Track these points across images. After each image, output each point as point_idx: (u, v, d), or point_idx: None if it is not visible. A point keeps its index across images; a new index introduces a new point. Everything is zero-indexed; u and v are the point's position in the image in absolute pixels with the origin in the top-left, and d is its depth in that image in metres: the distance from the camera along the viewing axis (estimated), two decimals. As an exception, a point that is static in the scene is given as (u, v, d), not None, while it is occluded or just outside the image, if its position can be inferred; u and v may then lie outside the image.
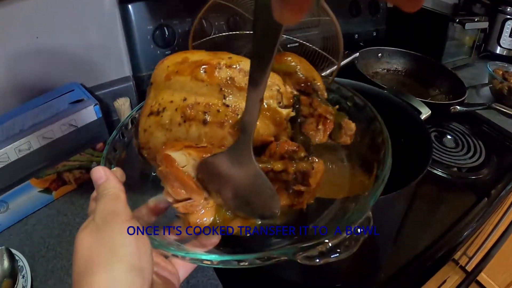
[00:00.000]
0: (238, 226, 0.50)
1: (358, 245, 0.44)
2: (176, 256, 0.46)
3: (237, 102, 0.50)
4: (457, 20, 1.67)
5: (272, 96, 0.51)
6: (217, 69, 0.51)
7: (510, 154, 1.31)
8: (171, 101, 0.52)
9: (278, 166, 0.48)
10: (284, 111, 0.52)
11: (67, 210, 0.97)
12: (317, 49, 0.70)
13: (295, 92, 0.55)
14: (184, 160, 0.49)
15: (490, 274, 2.10)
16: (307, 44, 0.71)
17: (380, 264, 0.91)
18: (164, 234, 0.53)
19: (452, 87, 1.50)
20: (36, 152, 0.89)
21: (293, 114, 0.53)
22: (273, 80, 0.52)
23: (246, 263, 0.44)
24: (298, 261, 0.43)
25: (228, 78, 0.50)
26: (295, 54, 0.60)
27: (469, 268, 1.76)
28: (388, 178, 0.51)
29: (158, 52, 1.11)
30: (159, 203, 0.55)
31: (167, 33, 1.10)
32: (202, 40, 0.72)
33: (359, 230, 0.45)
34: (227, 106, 0.50)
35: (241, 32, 0.73)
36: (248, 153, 0.45)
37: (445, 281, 1.55)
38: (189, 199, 0.48)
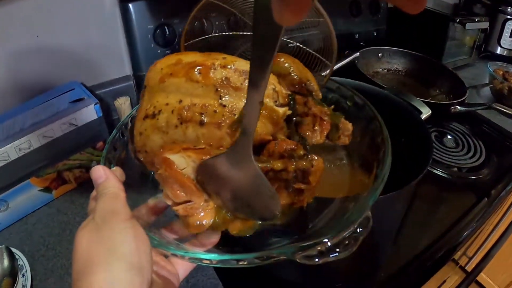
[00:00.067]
0: (238, 228, 0.50)
1: (357, 245, 0.44)
2: (176, 255, 0.46)
3: (234, 102, 0.50)
4: (458, 20, 1.66)
5: (268, 94, 0.51)
6: (212, 70, 0.50)
7: (510, 154, 1.31)
8: (167, 104, 0.52)
9: (278, 165, 0.48)
10: (281, 110, 0.51)
11: (67, 209, 0.97)
12: (310, 50, 0.70)
13: (290, 92, 0.55)
14: (183, 162, 0.49)
15: (490, 274, 2.10)
16: (301, 46, 0.71)
17: (380, 264, 0.91)
18: (163, 233, 0.53)
19: (453, 87, 1.50)
20: (36, 151, 0.89)
21: (289, 112, 0.53)
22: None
23: (245, 263, 0.44)
24: (297, 260, 0.43)
25: (223, 78, 0.50)
26: (289, 55, 0.60)
27: (469, 268, 1.75)
28: (388, 178, 0.51)
29: (159, 51, 1.11)
30: (158, 203, 0.55)
31: (167, 32, 1.10)
32: (194, 40, 0.71)
33: (358, 230, 0.45)
34: (224, 106, 0.50)
35: (234, 33, 0.73)
36: (248, 154, 0.45)
37: (445, 281, 1.55)
38: (189, 201, 0.48)
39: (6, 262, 0.80)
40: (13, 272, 0.79)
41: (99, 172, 0.49)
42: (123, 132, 0.61)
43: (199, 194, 0.49)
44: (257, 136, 0.49)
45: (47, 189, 0.97)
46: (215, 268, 0.84)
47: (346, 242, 0.44)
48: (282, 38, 0.70)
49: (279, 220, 0.50)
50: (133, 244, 0.42)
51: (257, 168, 0.46)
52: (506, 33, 1.89)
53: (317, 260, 0.42)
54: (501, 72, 1.67)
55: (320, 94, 0.59)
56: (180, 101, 0.51)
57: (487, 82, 1.70)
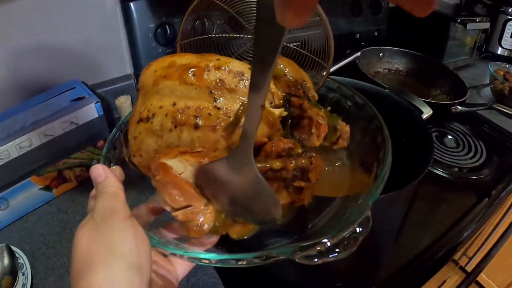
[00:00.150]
0: (238, 231, 0.50)
1: (357, 245, 0.44)
2: (175, 254, 0.46)
3: (228, 104, 0.49)
4: (459, 21, 1.66)
5: (263, 96, 0.50)
6: (206, 72, 0.50)
7: (511, 154, 1.31)
8: (161, 107, 0.51)
9: (277, 164, 0.48)
10: (277, 111, 0.51)
11: (67, 208, 0.97)
12: (305, 52, 0.70)
13: (285, 94, 0.55)
14: (181, 166, 0.48)
15: (490, 274, 2.09)
16: (297, 48, 0.70)
17: (380, 264, 0.91)
18: (162, 232, 0.53)
19: (453, 87, 1.49)
20: (37, 149, 0.89)
21: (285, 113, 0.53)
22: None
23: (245, 262, 0.44)
24: (297, 260, 0.42)
25: (217, 80, 0.50)
26: (283, 57, 0.60)
27: (469, 268, 1.75)
28: (389, 178, 0.51)
29: (160, 50, 1.11)
30: (158, 202, 0.55)
31: (168, 31, 1.10)
32: (189, 40, 0.71)
33: (358, 230, 0.44)
34: (218, 108, 0.49)
35: (231, 35, 0.72)
36: (249, 159, 0.45)
37: (445, 281, 1.54)
38: (188, 206, 0.48)
39: (6, 260, 0.80)
40: (13, 270, 0.79)
41: (99, 171, 0.49)
42: (123, 131, 0.61)
43: (199, 199, 0.49)
44: None
45: (47, 188, 0.97)
46: (216, 268, 0.84)
47: (346, 242, 0.43)
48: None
49: (279, 221, 0.50)
50: (132, 243, 0.42)
51: (258, 173, 0.45)
52: (507, 34, 1.89)
53: (316, 260, 0.42)
54: (502, 73, 1.67)
55: (316, 95, 0.59)
56: (174, 104, 0.50)
57: (488, 82, 1.70)
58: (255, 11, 0.70)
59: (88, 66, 1.11)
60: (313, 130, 0.54)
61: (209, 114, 0.49)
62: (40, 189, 0.95)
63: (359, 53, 1.45)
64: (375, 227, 0.46)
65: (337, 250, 0.43)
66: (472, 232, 1.04)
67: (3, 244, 0.82)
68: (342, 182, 0.61)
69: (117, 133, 0.60)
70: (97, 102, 0.96)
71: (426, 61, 1.60)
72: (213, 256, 0.45)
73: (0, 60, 0.96)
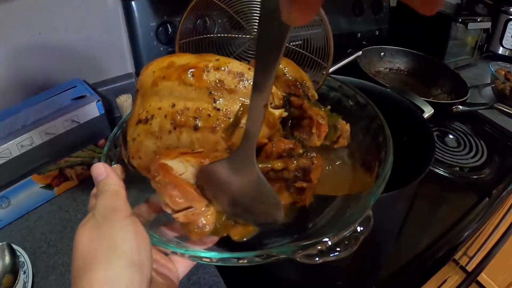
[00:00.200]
0: (239, 233, 0.50)
1: (358, 244, 0.43)
2: (176, 253, 0.46)
3: (228, 105, 0.49)
4: (460, 20, 1.66)
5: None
6: (205, 72, 0.49)
7: (512, 154, 1.31)
8: (160, 108, 0.51)
9: (278, 164, 0.48)
10: (277, 112, 0.51)
11: (68, 206, 0.97)
12: (305, 52, 0.70)
13: (285, 94, 0.54)
14: (181, 167, 0.48)
15: (490, 274, 2.09)
16: (297, 48, 0.70)
17: (380, 263, 0.91)
18: (163, 231, 0.53)
19: (455, 87, 1.49)
20: (38, 147, 0.89)
21: (285, 114, 0.52)
22: None
23: (245, 261, 0.44)
24: (298, 259, 0.42)
25: (217, 81, 0.49)
26: (283, 56, 0.60)
27: (470, 268, 1.75)
28: (391, 177, 0.51)
29: (161, 48, 1.11)
30: (159, 200, 0.55)
31: (170, 30, 1.10)
32: (188, 39, 0.71)
33: (359, 229, 0.44)
34: (218, 110, 0.49)
35: (229, 35, 0.72)
36: (251, 160, 0.44)
37: (445, 280, 1.54)
38: (189, 207, 0.48)
39: (7, 259, 0.80)
40: (14, 269, 0.79)
41: (100, 169, 0.49)
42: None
43: (200, 199, 0.48)
44: None
45: (48, 186, 0.97)
46: (217, 266, 0.84)
47: (347, 241, 0.43)
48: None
49: (280, 222, 0.50)
50: (133, 242, 0.42)
51: (260, 174, 0.45)
52: (508, 33, 1.89)
53: (317, 259, 0.42)
54: (503, 72, 1.67)
55: (316, 95, 0.59)
56: (173, 105, 0.50)
57: (489, 82, 1.70)
58: (254, 11, 0.70)
59: (89, 64, 1.11)
60: (314, 130, 0.54)
61: (209, 115, 0.49)
62: (41, 187, 0.95)
63: (360, 52, 1.45)
64: (376, 226, 0.45)
65: (338, 249, 0.43)
66: (473, 232, 1.04)
67: (4, 242, 0.82)
68: (343, 182, 0.61)
69: (118, 132, 0.59)
70: (98, 101, 0.96)
71: (427, 61, 1.60)
72: (214, 254, 0.45)
73: (1, 58, 0.96)
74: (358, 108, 0.65)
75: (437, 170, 1.19)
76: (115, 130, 0.59)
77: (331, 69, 0.71)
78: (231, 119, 0.49)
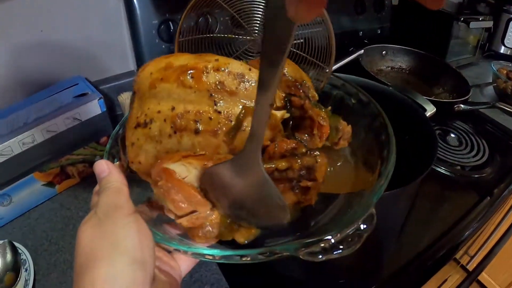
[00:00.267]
0: (244, 236, 0.49)
1: (361, 242, 0.43)
2: (178, 250, 0.46)
3: (229, 107, 0.48)
4: (462, 19, 1.66)
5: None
6: (205, 74, 0.48)
7: (514, 153, 1.31)
8: (159, 111, 0.49)
9: (282, 164, 0.47)
10: (279, 113, 0.50)
11: (70, 204, 0.97)
12: (306, 55, 0.70)
13: (285, 94, 0.53)
14: (184, 170, 0.47)
15: (491, 273, 2.09)
16: (297, 51, 0.70)
17: (382, 262, 0.91)
18: (166, 228, 0.53)
19: (456, 86, 1.49)
20: (39, 145, 0.89)
21: (287, 115, 0.52)
22: None
23: (249, 259, 0.44)
24: (301, 257, 0.42)
25: (217, 83, 0.48)
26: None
27: (470, 267, 1.75)
28: (392, 175, 0.51)
29: (163, 46, 1.11)
30: None
31: (172, 28, 1.10)
32: (189, 38, 0.70)
33: (362, 227, 0.44)
34: (219, 112, 0.48)
35: (230, 36, 0.72)
36: (256, 161, 0.43)
37: (446, 280, 1.55)
38: (193, 212, 0.47)
39: (9, 256, 0.80)
40: (16, 266, 0.79)
41: (102, 167, 0.49)
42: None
43: (205, 203, 0.48)
44: None
45: (50, 184, 0.97)
46: (219, 264, 0.84)
47: (350, 239, 0.43)
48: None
49: (285, 225, 0.49)
50: (136, 239, 0.42)
51: (266, 175, 0.44)
52: (510, 33, 1.88)
53: (320, 257, 0.42)
54: (505, 71, 1.67)
55: (316, 95, 0.58)
56: (173, 108, 0.49)
57: (491, 81, 1.70)
58: (255, 11, 0.70)
59: (91, 62, 1.11)
60: (315, 131, 0.53)
61: (210, 118, 0.48)
62: (43, 185, 0.95)
63: (362, 50, 1.45)
64: (378, 224, 0.45)
65: (341, 247, 0.42)
66: (474, 231, 1.04)
67: (6, 240, 0.82)
68: (345, 180, 0.61)
69: (120, 129, 0.59)
70: (100, 99, 0.96)
71: (429, 60, 1.60)
72: (217, 252, 0.45)
73: (3, 56, 0.96)
74: (361, 106, 0.65)
75: (438, 169, 1.19)
76: (117, 127, 0.59)
77: (333, 68, 0.71)
78: (233, 122, 0.48)
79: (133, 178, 0.53)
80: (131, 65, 1.19)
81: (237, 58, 0.71)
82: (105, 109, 0.98)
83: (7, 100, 0.99)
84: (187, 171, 0.47)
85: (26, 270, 0.80)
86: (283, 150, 0.48)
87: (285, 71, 0.57)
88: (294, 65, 0.60)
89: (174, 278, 0.52)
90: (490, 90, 1.70)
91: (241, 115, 0.48)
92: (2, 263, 0.79)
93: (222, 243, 0.51)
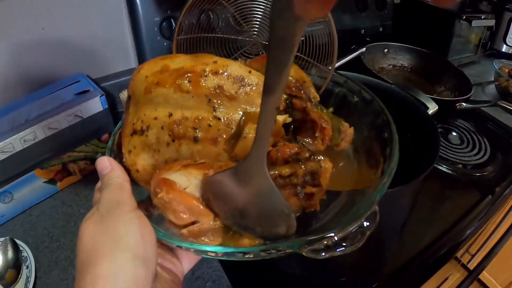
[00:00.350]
0: (247, 245, 0.48)
1: (364, 239, 0.43)
2: (181, 247, 0.45)
3: (229, 113, 0.46)
4: (464, 17, 1.66)
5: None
6: (203, 78, 0.46)
7: (515, 152, 1.31)
8: (155, 118, 0.48)
9: (286, 170, 0.46)
10: (280, 118, 0.49)
11: (71, 201, 0.97)
12: (307, 58, 0.69)
13: (286, 96, 0.52)
14: (184, 181, 0.46)
15: (492, 272, 2.09)
16: (298, 54, 0.69)
17: (384, 260, 0.91)
18: (168, 225, 0.53)
19: (458, 84, 1.49)
20: (41, 142, 0.89)
21: (289, 119, 0.50)
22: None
23: (251, 256, 0.44)
24: (304, 254, 0.42)
25: (216, 87, 0.46)
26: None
27: (471, 266, 1.75)
28: (395, 173, 0.51)
29: (165, 43, 1.11)
30: None
31: (174, 25, 1.09)
32: (188, 37, 0.70)
33: (365, 224, 0.44)
34: (219, 119, 0.46)
35: (228, 36, 0.71)
36: (261, 167, 0.42)
37: (447, 278, 1.54)
38: (195, 222, 0.46)
39: (10, 253, 0.80)
40: (17, 263, 0.79)
41: (105, 163, 0.49)
42: None
43: (207, 213, 0.46)
44: None
45: (51, 181, 0.97)
46: (220, 261, 0.84)
47: (353, 236, 0.43)
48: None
49: (292, 234, 0.48)
50: (138, 235, 0.42)
51: (271, 183, 0.43)
52: (512, 31, 1.89)
53: (323, 254, 0.41)
54: (507, 70, 1.67)
55: (318, 96, 0.56)
56: (170, 115, 0.47)
57: (493, 79, 1.70)
58: (255, 11, 0.69)
59: (92, 59, 1.11)
60: (317, 134, 0.51)
61: (209, 125, 0.46)
62: (44, 182, 0.95)
63: (364, 48, 1.45)
64: (380, 222, 0.45)
65: (344, 244, 0.42)
66: (475, 230, 1.04)
67: (7, 237, 0.82)
68: (348, 177, 0.60)
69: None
70: (101, 96, 0.96)
71: (431, 58, 1.60)
72: (219, 249, 0.44)
73: (4, 53, 0.96)
74: (364, 104, 0.64)
75: (440, 167, 1.19)
76: (119, 124, 0.59)
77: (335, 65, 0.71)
78: (233, 129, 0.46)
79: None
80: (133, 63, 1.19)
81: (237, 58, 0.70)
82: (106, 106, 0.98)
83: (8, 97, 0.99)
84: (187, 181, 0.46)
85: (27, 267, 0.80)
86: (286, 155, 0.47)
87: None
88: (294, 66, 0.58)
89: (176, 275, 0.52)
90: (492, 88, 1.70)
91: (242, 121, 0.47)
92: (3, 260, 0.79)
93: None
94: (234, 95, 0.47)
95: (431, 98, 1.07)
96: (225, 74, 0.47)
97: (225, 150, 0.47)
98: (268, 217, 0.45)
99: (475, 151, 1.27)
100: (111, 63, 1.15)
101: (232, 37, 0.71)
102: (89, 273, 0.38)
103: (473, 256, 1.74)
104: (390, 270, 0.89)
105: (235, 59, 0.70)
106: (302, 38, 0.69)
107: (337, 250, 0.42)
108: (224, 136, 0.46)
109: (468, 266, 1.76)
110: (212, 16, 0.97)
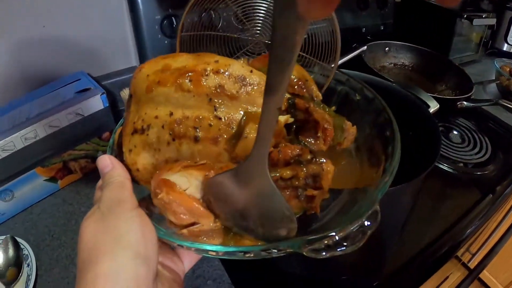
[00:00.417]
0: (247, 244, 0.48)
1: (365, 239, 0.42)
2: (182, 246, 0.45)
3: (230, 113, 0.46)
4: (465, 16, 1.66)
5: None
6: (204, 77, 0.46)
7: (516, 151, 1.31)
8: (156, 117, 0.47)
9: (287, 172, 0.45)
10: (282, 118, 0.48)
11: (72, 199, 0.97)
12: (310, 57, 0.69)
13: (288, 95, 0.51)
14: (185, 182, 0.46)
15: (492, 272, 2.09)
16: (302, 53, 0.69)
17: (385, 259, 0.91)
18: (170, 224, 0.53)
19: (459, 83, 1.49)
20: (42, 140, 0.89)
21: (291, 120, 0.50)
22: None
23: (252, 255, 0.43)
24: (304, 253, 0.42)
25: (217, 86, 0.46)
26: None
27: (472, 265, 1.75)
28: (396, 171, 0.51)
29: (166, 42, 1.11)
30: None
31: (175, 23, 1.09)
32: (191, 33, 0.69)
33: (366, 223, 0.44)
34: (219, 118, 0.46)
35: (230, 34, 0.71)
36: (263, 169, 0.41)
37: (447, 277, 1.54)
38: (195, 223, 0.46)
39: (11, 251, 0.80)
40: (18, 261, 0.79)
41: (106, 161, 0.49)
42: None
43: (208, 215, 0.46)
44: None
45: (52, 179, 0.97)
46: (221, 259, 0.84)
47: (354, 236, 0.42)
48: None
49: (292, 236, 0.48)
50: (139, 233, 0.42)
51: (273, 184, 0.42)
52: (513, 30, 1.89)
53: (324, 253, 0.41)
54: (508, 69, 1.67)
55: (320, 95, 0.56)
56: (171, 114, 0.47)
57: (494, 78, 1.70)
58: (257, 10, 0.69)
59: (93, 57, 1.11)
60: (320, 134, 0.50)
61: (210, 125, 0.46)
62: (45, 180, 0.95)
63: (365, 47, 1.46)
64: (381, 221, 0.45)
65: (345, 244, 0.41)
66: (476, 229, 1.03)
67: (8, 235, 0.82)
68: (349, 176, 0.60)
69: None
70: (102, 94, 0.96)
71: (432, 56, 1.60)
72: (220, 248, 0.44)
73: (5, 51, 0.96)
74: (366, 102, 0.64)
75: (441, 166, 1.18)
76: (120, 122, 0.59)
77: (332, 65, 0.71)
78: (234, 129, 0.46)
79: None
80: (134, 61, 1.19)
81: (239, 57, 0.70)
82: (107, 104, 0.98)
83: (9, 95, 0.99)
84: (188, 183, 0.46)
85: (28, 265, 0.80)
86: (287, 157, 0.46)
87: None
88: (296, 65, 0.58)
89: (177, 273, 0.52)
90: (493, 87, 1.70)
91: (243, 121, 0.46)
92: (4, 258, 0.79)
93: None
94: (235, 94, 0.46)
95: (432, 96, 1.07)
96: (227, 73, 0.46)
97: (226, 150, 0.47)
98: (269, 218, 0.45)
99: (476, 150, 1.27)
100: (112, 61, 1.15)
101: (235, 35, 0.71)
102: (90, 272, 0.38)
103: (473, 255, 1.74)
104: (390, 269, 0.89)
105: (238, 58, 0.70)
106: (305, 36, 0.69)
107: (338, 249, 0.41)
108: (225, 136, 0.46)
109: (469, 265, 1.76)
110: (213, 16, 0.97)
